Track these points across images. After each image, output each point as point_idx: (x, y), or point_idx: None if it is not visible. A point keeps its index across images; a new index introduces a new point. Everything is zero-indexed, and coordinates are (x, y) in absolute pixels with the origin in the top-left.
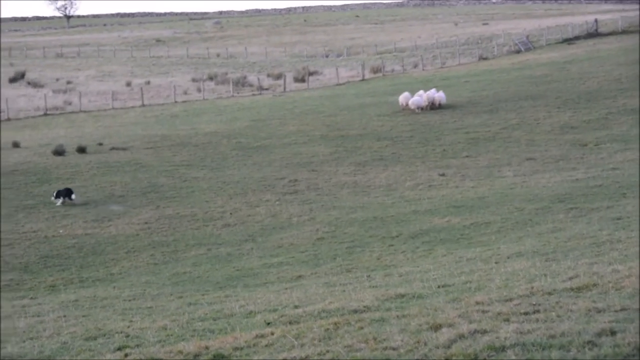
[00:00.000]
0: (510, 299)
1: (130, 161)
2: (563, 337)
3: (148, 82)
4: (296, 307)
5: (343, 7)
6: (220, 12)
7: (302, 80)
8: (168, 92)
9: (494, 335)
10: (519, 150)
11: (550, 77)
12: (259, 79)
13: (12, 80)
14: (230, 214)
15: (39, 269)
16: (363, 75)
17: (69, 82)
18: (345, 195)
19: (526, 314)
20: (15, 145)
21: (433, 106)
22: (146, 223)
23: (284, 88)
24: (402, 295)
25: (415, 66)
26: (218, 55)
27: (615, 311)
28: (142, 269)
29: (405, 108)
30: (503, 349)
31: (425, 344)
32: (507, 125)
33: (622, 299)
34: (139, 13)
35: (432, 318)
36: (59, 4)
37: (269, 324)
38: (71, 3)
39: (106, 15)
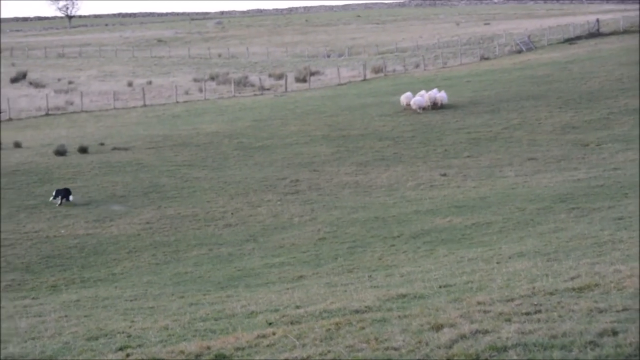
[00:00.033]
0: (512, 299)
1: (131, 161)
2: (565, 337)
3: (150, 82)
4: (298, 307)
5: (344, 7)
6: (222, 12)
7: (304, 80)
8: (169, 92)
9: (496, 335)
10: (521, 150)
11: (551, 77)
12: (260, 79)
13: (14, 80)
14: (232, 214)
15: (40, 269)
16: (364, 75)
17: (70, 82)
18: (347, 196)
19: (528, 314)
20: (17, 145)
21: (435, 106)
22: (148, 223)
23: (286, 88)
24: (404, 296)
25: (417, 66)
26: (219, 55)
27: (617, 311)
28: (143, 269)
29: (407, 108)
30: (504, 349)
31: (427, 344)
32: (508, 125)
33: (624, 299)
34: (140, 13)
35: (434, 318)
36: (61, 4)
37: (270, 324)
38: (73, 3)
39: (108, 16)
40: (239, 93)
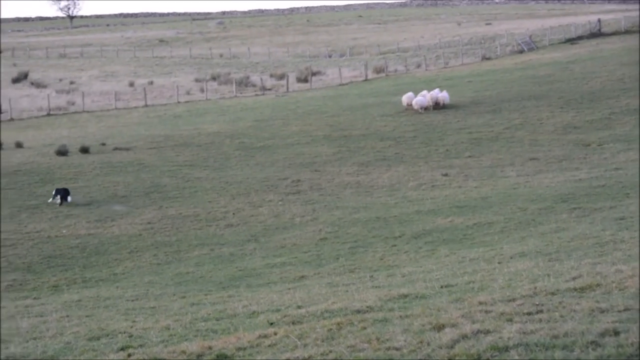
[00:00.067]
0: (513, 299)
1: (133, 161)
2: (566, 337)
3: (151, 83)
4: (299, 307)
5: (346, 7)
6: (223, 13)
7: (305, 80)
8: (171, 93)
9: (497, 335)
10: (522, 150)
11: (553, 77)
12: (261, 79)
13: (16, 80)
14: (233, 214)
15: (42, 269)
16: (366, 76)
17: (72, 83)
18: (348, 196)
19: (529, 314)
20: (19, 145)
21: (437, 106)
22: (149, 223)
23: (287, 88)
24: (405, 296)
25: (418, 66)
26: (221, 55)
27: (619, 311)
28: (145, 269)
29: (408, 108)
30: (506, 349)
31: (428, 344)
32: (510, 125)
33: (626, 299)
34: (142, 13)
35: (435, 318)
36: (62, 4)
37: (272, 324)
38: (74, 3)
39: (109, 16)
40: (241, 93)
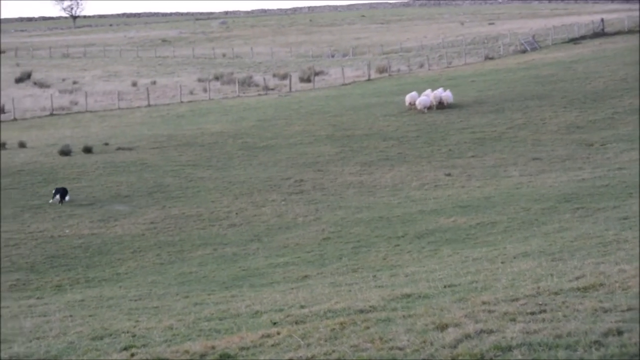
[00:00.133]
0: (517, 299)
1: (136, 161)
2: (569, 337)
3: (154, 82)
4: (302, 307)
5: (349, 7)
6: (226, 12)
7: (308, 80)
8: (174, 92)
9: (500, 335)
10: (525, 150)
11: (556, 77)
12: (264, 79)
13: (19, 80)
14: (236, 214)
15: (45, 269)
16: (369, 75)
17: (75, 82)
18: (351, 195)
19: (532, 313)
20: (22, 145)
21: (440, 105)
22: (152, 223)
23: (290, 88)
24: (408, 295)
25: (421, 66)
26: (224, 55)
27: (622, 311)
28: (148, 269)
29: (412, 108)
30: (509, 348)
31: (432, 343)
32: (513, 125)
33: (629, 299)
34: (144, 13)
35: (438, 318)
36: (65, 4)
37: (275, 323)
38: (77, 3)
39: (112, 16)
40: (243, 93)
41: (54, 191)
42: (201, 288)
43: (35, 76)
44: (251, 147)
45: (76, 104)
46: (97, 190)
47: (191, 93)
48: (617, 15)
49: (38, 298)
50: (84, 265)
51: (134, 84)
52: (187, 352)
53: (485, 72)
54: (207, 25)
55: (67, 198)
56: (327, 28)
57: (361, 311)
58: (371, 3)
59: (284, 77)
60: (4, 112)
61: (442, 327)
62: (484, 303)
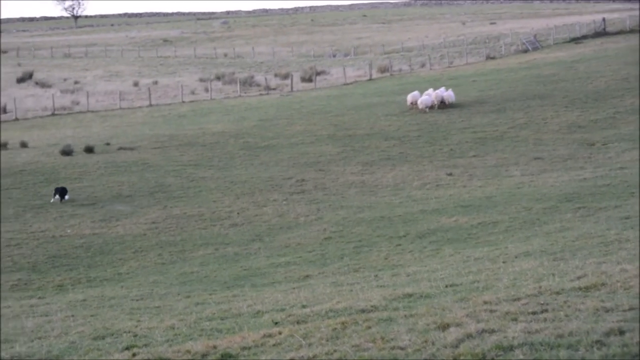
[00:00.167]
0: (518, 299)
1: (137, 161)
2: (571, 337)
3: (155, 82)
4: (304, 306)
5: (350, 7)
6: (228, 12)
7: (310, 80)
8: (175, 92)
9: (502, 334)
10: (527, 150)
11: (557, 77)
12: (266, 78)
13: (20, 80)
14: (238, 213)
15: (47, 269)
16: (370, 75)
17: (76, 82)
18: (353, 195)
19: (534, 313)
20: (23, 145)
21: (442, 105)
22: (154, 223)
23: (291, 88)
24: (410, 295)
25: (423, 65)
26: (225, 55)
27: (624, 310)
28: (149, 269)
29: (413, 107)
30: (511, 348)
31: (433, 343)
32: (514, 125)
33: (631, 299)
34: (146, 13)
35: (440, 317)
36: (67, 4)
37: (276, 323)
38: (79, 3)
39: (113, 16)
40: (245, 93)
41: (53, 191)
42: (203, 288)
43: (37, 76)
44: (253, 146)
45: (78, 103)
46: (99, 190)
47: (193, 93)
48: (619, 15)
49: (40, 298)
50: (86, 265)
51: (136, 84)
52: (188, 351)
53: (487, 71)
54: (208, 25)
55: (66, 197)
56: (329, 28)
57: (363, 311)
58: (373, 3)
59: (286, 76)
60: (6, 112)
61: (444, 327)
62: (485, 303)
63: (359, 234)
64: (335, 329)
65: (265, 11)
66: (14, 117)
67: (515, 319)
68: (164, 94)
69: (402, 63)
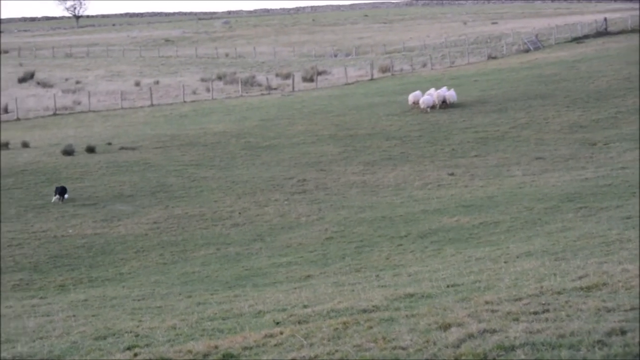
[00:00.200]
0: (520, 299)
1: (139, 161)
2: (573, 337)
3: (157, 82)
4: (305, 306)
5: (352, 7)
6: (229, 12)
7: (311, 79)
8: (177, 92)
9: (504, 334)
10: (528, 150)
11: (559, 76)
12: (267, 78)
13: (22, 80)
14: (239, 213)
15: (48, 269)
16: (372, 75)
17: (78, 82)
18: (354, 195)
19: (535, 313)
20: (25, 145)
21: (444, 105)
22: (155, 223)
23: (293, 88)
24: (411, 295)
25: (424, 65)
26: (227, 55)
27: (625, 310)
28: (151, 269)
29: (415, 107)
30: (512, 348)
31: (435, 343)
32: (516, 125)
33: (632, 299)
34: (147, 13)
35: (441, 317)
36: (68, 4)
37: (278, 323)
38: (80, 3)
39: (115, 15)
40: (246, 93)
41: (54, 191)
42: (204, 288)
43: (38, 76)
44: (254, 146)
45: (79, 103)
46: (100, 190)
47: (194, 93)
48: (620, 15)
49: (41, 298)
50: (87, 265)
51: (137, 84)
52: (190, 351)
53: (488, 71)
54: (209, 25)
55: (66, 196)
56: (330, 27)
57: (364, 311)
58: (374, 2)
59: (287, 76)
60: (7, 112)
61: (445, 327)
62: (487, 303)
63: (361, 234)
64: (337, 329)
65: (267, 11)
66: (15, 117)
67: (516, 319)
68: (166, 94)
69: (403, 63)
